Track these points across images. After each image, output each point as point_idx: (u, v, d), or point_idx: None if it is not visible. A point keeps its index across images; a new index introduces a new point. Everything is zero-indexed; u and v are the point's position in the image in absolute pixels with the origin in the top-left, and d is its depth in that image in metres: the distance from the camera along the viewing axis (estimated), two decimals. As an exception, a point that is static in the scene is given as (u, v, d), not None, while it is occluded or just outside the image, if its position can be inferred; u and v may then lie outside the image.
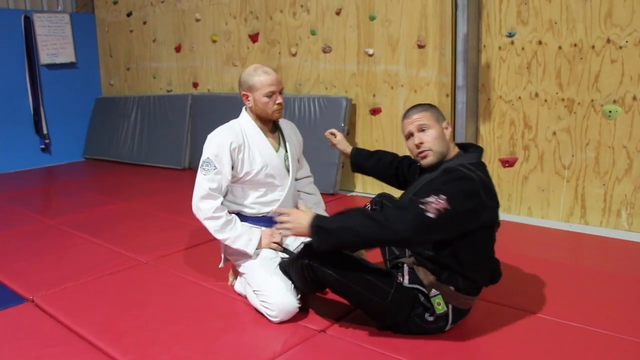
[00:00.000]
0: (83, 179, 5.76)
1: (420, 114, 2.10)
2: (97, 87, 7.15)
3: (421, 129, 2.08)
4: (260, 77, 2.41)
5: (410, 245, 2.11)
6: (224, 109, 5.34)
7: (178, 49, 6.04)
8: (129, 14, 6.52)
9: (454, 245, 1.97)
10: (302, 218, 1.99)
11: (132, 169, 6.02)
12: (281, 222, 2.03)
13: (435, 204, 1.83)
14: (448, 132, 2.11)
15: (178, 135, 5.85)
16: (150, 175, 5.64)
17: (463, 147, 2.15)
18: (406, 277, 2.06)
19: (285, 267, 2.30)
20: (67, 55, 6.69)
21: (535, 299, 2.42)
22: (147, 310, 2.43)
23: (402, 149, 4.31)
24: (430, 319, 2.05)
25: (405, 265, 2.10)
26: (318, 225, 1.95)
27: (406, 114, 2.15)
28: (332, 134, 2.69)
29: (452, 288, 2.02)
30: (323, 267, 2.04)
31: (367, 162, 2.58)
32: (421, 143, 2.06)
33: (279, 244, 2.43)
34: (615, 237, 3.31)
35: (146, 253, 3.17)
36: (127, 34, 6.63)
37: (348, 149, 2.65)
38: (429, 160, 2.08)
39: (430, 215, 1.83)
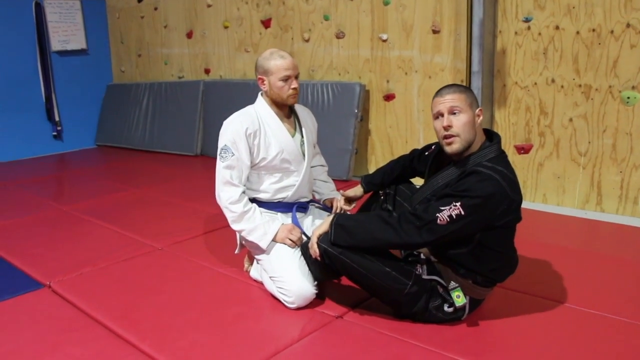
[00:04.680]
0: (96, 165, 5.78)
1: (455, 95, 1.97)
2: (108, 74, 7.14)
3: (452, 112, 1.96)
4: (277, 61, 2.39)
5: (426, 247, 2.07)
6: (236, 95, 5.33)
7: (189, 35, 6.02)
8: (139, 0, 6.50)
9: (473, 246, 1.94)
10: (325, 221, 2.09)
11: (144, 155, 6.03)
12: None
13: (447, 211, 1.83)
14: (479, 120, 2.00)
15: (190, 121, 5.84)
16: (163, 161, 5.64)
17: (488, 134, 2.07)
18: (424, 268, 2.04)
19: (305, 251, 2.29)
20: (78, 41, 6.68)
21: (552, 286, 2.41)
22: (164, 296, 2.44)
23: (416, 136, 4.28)
24: (449, 310, 2.04)
25: (422, 255, 2.08)
26: (338, 222, 2.01)
27: (439, 92, 2.02)
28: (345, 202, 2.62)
29: (470, 281, 2.01)
30: (341, 255, 2.03)
31: (380, 185, 2.52)
32: (449, 126, 1.95)
33: (296, 242, 2.38)
34: (631, 224, 3.28)
35: (161, 239, 3.18)
36: (138, 20, 6.61)
37: (359, 190, 2.58)
38: (455, 147, 1.97)
39: (441, 223, 1.84)
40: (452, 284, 2.02)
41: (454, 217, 1.83)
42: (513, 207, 1.93)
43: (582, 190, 3.55)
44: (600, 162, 3.46)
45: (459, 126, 1.95)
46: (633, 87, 3.28)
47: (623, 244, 3.00)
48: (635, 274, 2.55)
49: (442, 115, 1.98)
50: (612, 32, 3.30)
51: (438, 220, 1.83)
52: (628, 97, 3.30)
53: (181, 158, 5.76)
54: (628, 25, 3.25)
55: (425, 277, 2.03)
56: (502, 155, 2.01)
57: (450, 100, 1.97)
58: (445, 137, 1.98)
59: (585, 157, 3.51)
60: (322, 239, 2.10)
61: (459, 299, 2.01)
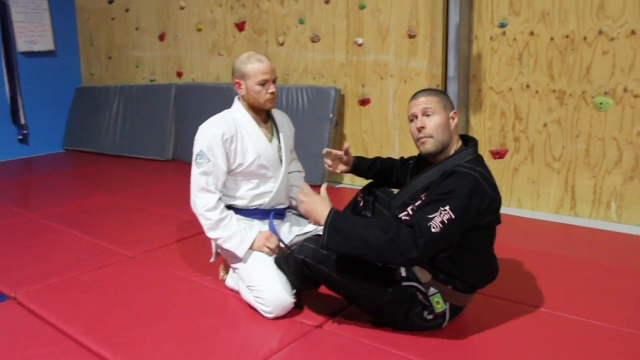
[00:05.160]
0: (64, 170, 5.62)
1: (428, 97, 2.02)
2: (77, 76, 6.98)
3: (425, 114, 2.00)
4: (254, 65, 2.35)
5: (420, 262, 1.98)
6: (209, 99, 5.26)
7: (162, 38, 5.92)
8: (110, 1, 6.36)
9: (452, 249, 1.91)
10: (320, 207, 1.91)
11: (115, 160, 5.90)
12: (300, 200, 1.99)
13: (438, 217, 1.79)
14: (454, 122, 2.03)
15: (162, 125, 5.73)
16: (134, 166, 5.52)
17: (464, 139, 2.10)
18: (404, 275, 2.01)
19: (280, 263, 2.25)
20: (45, 43, 6.51)
21: (530, 292, 2.42)
22: (136, 307, 2.37)
23: (391, 141, 4.27)
24: (430, 317, 2.02)
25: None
26: (333, 224, 1.87)
27: (414, 96, 2.07)
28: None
29: (449, 287, 1.99)
30: (320, 265, 2.00)
31: (367, 173, 2.47)
32: (422, 128, 1.99)
33: (273, 250, 2.34)
34: (604, 228, 3.32)
35: (132, 247, 3.09)
36: (108, 21, 6.47)
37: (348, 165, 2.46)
38: (427, 147, 2.00)
39: (435, 230, 1.78)
40: (432, 289, 2.00)
41: (446, 222, 1.79)
42: (493, 207, 1.94)
43: (556, 194, 3.58)
44: (574, 166, 3.49)
45: (432, 127, 1.98)
46: (605, 93, 3.31)
47: (596, 248, 3.03)
48: (609, 278, 2.57)
49: (416, 117, 2.02)
50: (585, 38, 3.34)
51: (432, 229, 1.78)
52: (601, 103, 3.34)
53: (153, 163, 5.65)
54: (600, 32, 3.29)
55: (404, 283, 2.00)
56: (480, 158, 2.02)
57: (423, 102, 2.01)
58: (419, 138, 2.01)
59: (559, 162, 3.54)
60: (299, 250, 2.07)
61: (439, 304, 2.00)
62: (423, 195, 1.98)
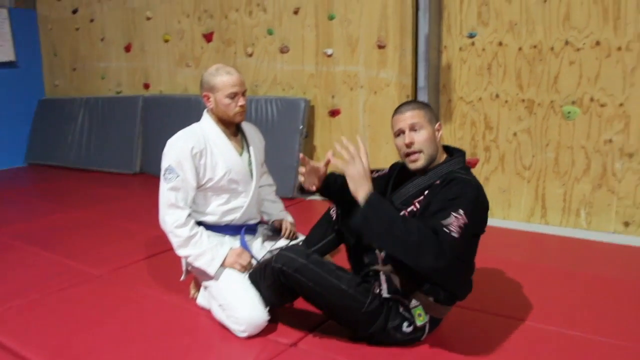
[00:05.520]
0: (26, 185, 5.47)
1: (414, 111, 1.98)
2: (40, 88, 6.81)
3: (413, 128, 1.95)
4: (223, 78, 2.30)
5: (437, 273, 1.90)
6: (177, 111, 5.17)
7: (128, 49, 5.81)
8: (74, 11, 6.23)
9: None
10: (364, 177, 1.83)
11: (80, 174, 5.75)
12: (348, 153, 1.85)
13: (455, 222, 1.75)
14: (439, 135, 2.01)
15: (129, 138, 5.62)
16: (100, 180, 5.39)
17: (448, 150, 2.09)
18: (384, 286, 1.97)
19: (256, 277, 2.19)
20: (5, 53, 6.32)
21: (504, 302, 2.41)
22: (104, 329, 2.27)
23: (363, 151, 4.23)
24: (409, 330, 1.98)
25: (381, 273, 2.01)
26: (374, 199, 1.79)
27: (398, 109, 2.02)
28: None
29: (431, 299, 1.96)
30: (296, 274, 1.96)
31: (337, 194, 2.28)
32: (412, 143, 1.95)
33: (246, 267, 2.28)
34: (574, 236, 3.35)
35: (99, 265, 2.99)
36: (72, 32, 6.33)
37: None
38: (419, 164, 1.96)
39: (456, 235, 1.75)
40: (414, 302, 1.97)
41: (463, 226, 1.76)
42: (486, 214, 1.96)
43: (527, 203, 3.61)
44: (544, 175, 3.52)
45: (420, 142, 1.95)
46: (573, 102, 3.36)
47: (568, 256, 3.05)
48: (581, 286, 2.58)
49: (403, 132, 1.97)
50: (552, 48, 3.38)
51: (453, 234, 1.74)
52: (569, 112, 3.38)
53: (119, 177, 5.53)
54: (567, 43, 3.33)
55: (385, 295, 1.96)
56: (468, 167, 2.03)
57: (410, 117, 1.96)
58: (408, 154, 1.97)
59: (529, 171, 3.57)
60: (276, 258, 2.03)
61: (420, 317, 1.97)
62: (416, 200, 1.95)
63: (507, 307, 2.36)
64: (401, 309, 1.97)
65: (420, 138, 1.95)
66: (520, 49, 3.48)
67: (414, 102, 2.09)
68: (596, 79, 3.27)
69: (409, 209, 1.97)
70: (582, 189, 3.41)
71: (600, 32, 3.22)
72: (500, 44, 3.54)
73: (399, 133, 1.99)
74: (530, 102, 3.49)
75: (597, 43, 3.24)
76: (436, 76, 3.78)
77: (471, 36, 3.64)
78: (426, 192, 1.95)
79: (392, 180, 2.19)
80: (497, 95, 3.60)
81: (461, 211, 1.77)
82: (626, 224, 3.31)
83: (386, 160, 4.10)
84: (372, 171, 2.20)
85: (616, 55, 3.20)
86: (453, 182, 1.86)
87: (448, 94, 3.79)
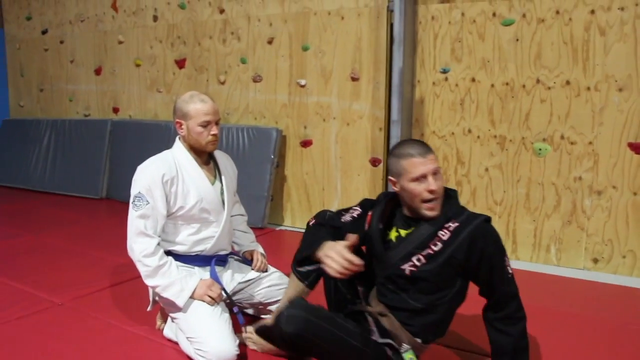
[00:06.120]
0: (-14, 208, 5.27)
1: (433, 155, 1.86)
2: (4, 108, 6.64)
3: (435, 173, 1.83)
4: (196, 105, 2.25)
5: None
6: (146, 136, 5.09)
7: (98, 72, 5.72)
8: (44, 32, 6.13)
9: (447, 293, 1.90)
10: None
11: (44, 197, 5.58)
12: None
13: (509, 269, 1.87)
14: None
15: (95, 162, 5.49)
16: (64, 204, 5.23)
17: None
18: (374, 330, 1.91)
19: (263, 331, 2.06)
20: (-30, 72, 6.19)
21: (474, 338, 2.37)
22: (63, 362, 2.17)
23: (333, 184, 4.23)
24: None
25: (369, 316, 1.96)
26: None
27: (415, 151, 1.85)
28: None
29: (419, 341, 1.92)
30: (309, 335, 1.79)
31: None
32: (436, 190, 1.82)
33: (215, 299, 2.20)
34: (544, 271, 3.37)
35: (61, 293, 2.87)
36: (41, 52, 6.22)
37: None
38: (436, 212, 1.86)
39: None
40: (405, 346, 1.91)
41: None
42: None
43: (498, 238, 3.61)
44: (515, 211, 3.55)
45: (440, 188, 1.86)
46: (544, 139, 3.41)
47: (537, 292, 3.04)
48: (549, 321, 2.57)
49: (426, 177, 1.83)
50: (524, 86, 3.44)
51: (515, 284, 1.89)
52: (540, 149, 3.42)
53: (84, 201, 5.38)
54: (538, 81, 3.40)
55: (380, 341, 1.89)
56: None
57: (431, 161, 1.84)
58: (429, 200, 1.85)
59: (500, 206, 3.59)
60: (286, 321, 1.80)
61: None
62: (431, 243, 1.86)
63: (475, 342, 2.32)
64: (390, 352, 1.90)
65: (440, 184, 1.85)
66: (492, 85, 3.53)
67: (423, 143, 1.93)
68: (566, 117, 3.33)
69: (425, 252, 1.86)
70: (553, 225, 3.44)
71: (570, 72, 3.30)
72: (473, 80, 3.59)
73: (420, 178, 1.83)
74: (502, 138, 3.54)
75: (567, 82, 3.31)
76: (409, 110, 3.81)
77: (444, 71, 3.68)
78: (439, 232, 1.86)
79: (380, 219, 2.01)
80: (469, 131, 3.64)
81: (506, 259, 1.89)
82: (595, 261, 3.34)
83: (357, 192, 4.10)
84: (341, 212, 2.12)
85: (585, 95, 3.27)
86: (483, 235, 1.84)
87: (421, 128, 3.81)
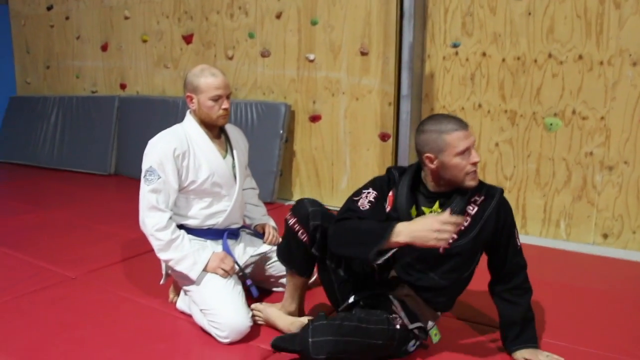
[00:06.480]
0: (-5, 184, 5.30)
1: (470, 129, 1.87)
2: (11, 85, 6.63)
3: (473, 145, 1.84)
4: (207, 79, 2.24)
5: None
6: (153, 112, 5.08)
7: (104, 48, 5.69)
8: (49, 8, 6.09)
9: (473, 267, 1.97)
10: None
11: (52, 174, 5.59)
12: None
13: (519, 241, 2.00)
14: None
15: (103, 139, 5.49)
16: (73, 181, 5.25)
17: None
18: (402, 315, 1.91)
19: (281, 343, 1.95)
20: (-24, 49, 6.16)
21: (484, 310, 2.38)
22: (80, 333, 2.19)
23: (342, 159, 4.22)
24: (413, 348, 1.95)
25: (394, 299, 1.95)
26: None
27: (459, 126, 1.82)
28: None
29: (439, 314, 1.96)
30: (337, 354, 1.78)
31: None
32: (477, 162, 1.85)
33: (228, 271, 2.22)
34: (554, 247, 3.37)
35: (73, 267, 2.89)
36: (46, 29, 6.18)
37: None
38: (477, 181, 1.87)
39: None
40: (430, 323, 1.96)
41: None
42: None
43: (507, 214, 3.61)
44: (524, 186, 3.54)
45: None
46: (555, 114, 3.38)
47: (546, 267, 3.05)
48: (562, 296, 2.59)
49: (469, 150, 1.82)
50: (535, 61, 3.40)
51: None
52: (551, 124, 3.40)
53: (93, 177, 5.39)
54: (550, 56, 3.36)
55: (410, 327, 1.90)
56: None
57: (471, 133, 1.85)
58: (471, 172, 1.84)
59: (510, 181, 3.58)
60: (314, 348, 1.76)
61: (437, 336, 1.97)
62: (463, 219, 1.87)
63: (488, 315, 2.34)
64: (417, 332, 1.92)
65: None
66: (503, 60, 3.50)
67: (456, 116, 1.91)
68: (578, 92, 3.30)
69: (457, 229, 1.84)
70: (563, 200, 3.44)
71: (583, 46, 3.26)
72: (484, 54, 3.56)
73: (464, 151, 1.81)
74: (513, 113, 3.51)
75: (580, 57, 3.27)
76: (419, 85, 3.78)
77: (455, 46, 3.65)
78: (467, 207, 1.88)
79: (408, 199, 1.94)
80: (479, 105, 3.61)
81: (516, 231, 2.00)
82: (605, 236, 3.34)
83: (367, 167, 4.10)
84: (352, 198, 1.97)
85: (598, 69, 3.24)
86: (502, 205, 1.94)
87: (430, 102, 3.79)
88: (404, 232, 1.68)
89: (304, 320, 2.06)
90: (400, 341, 1.89)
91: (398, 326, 1.88)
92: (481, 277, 2.73)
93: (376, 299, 1.99)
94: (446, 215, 1.68)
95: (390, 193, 1.95)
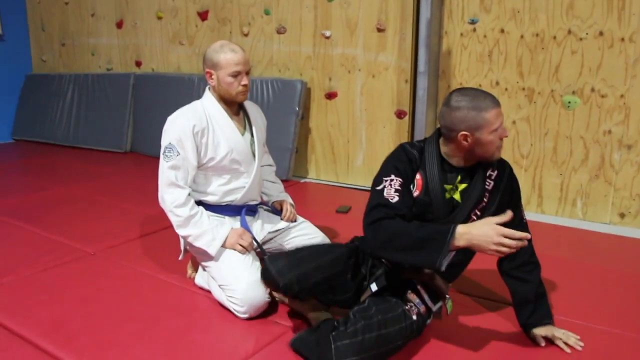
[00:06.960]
0: (14, 161, 5.35)
1: None
2: (27, 63, 6.65)
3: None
4: (227, 55, 2.23)
5: None
6: (169, 90, 5.09)
7: (119, 25, 5.69)
8: (64, -15, 6.08)
9: None
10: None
11: (69, 151, 5.65)
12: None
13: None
14: None
15: (119, 116, 5.52)
16: (89, 158, 5.30)
17: None
18: (426, 297, 1.92)
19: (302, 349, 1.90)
20: (-9, 27, 6.18)
21: (496, 287, 2.36)
22: (99, 308, 2.23)
23: (358, 136, 4.21)
24: (428, 321, 1.98)
25: (417, 285, 1.94)
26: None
27: (494, 102, 1.80)
28: None
29: (450, 285, 1.98)
30: (370, 351, 1.76)
31: None
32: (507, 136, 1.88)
33: (246, 247, 2.24)
34: (570, 225, 3.36)
35: (93, 243, 2.93)
36: (61, 6, 6.18)
37: None
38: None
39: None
40: (447, 297, 1.98)
41: None
42: None
43: (524, 192, 3.55)
44: (541, 164, 3.52)
45: None
46: (574, 92, 3.34)
47: (562, 245, 3.06)
48: (577, 275, 2.59)
49: (501, 125, 1.81)
50: (554, 37, 3.35)
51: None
52: (569, 102, 3.37)
53: (109, 155, 5.44)
54: (569, 32, 3.31)
55: (434, 308, 1.93)
56: None
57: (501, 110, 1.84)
58: (500, 146, 1.85)
59: (527, 160, 3.56)
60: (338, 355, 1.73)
61: (451, 307, 1.99)
62: (483, 195, 1.89)
63: (498, 292, 2.34)
64: (435, 309, 1.96)
65: None
66: (522, 36, 3.45)
67: (487, 91, 1.88)
68: (598, 69, 3.26)
69: (480, 206, 1.88)
70: (580, 179, 3.41)
71: (604, 22, 3.20)
72: (502, 31, 3.51)
73: (498, 127, 1.79)
74: (531, 90, 3.48)
75: (601, 33, 3.22)
76: (436, 61, 3.74)
77: (472, 22, 3.60)
78: (486, 183, 1.89)
79: (441, 181, 1.90)
80: (497, 83, 3.58)
81: (521, 204, 2.03)
82: (622, 216, 3.32)
83: (382, 144, 4.09)
84: (374, 188, 1.87)
85: (619, 46, 3.18)
86: (513, 177, 1.98)
87: (447, 79, 3.76)
88: (464, 237, 1.65)
89: (327, 315, 2.04)
90: (417, 331, 1.90)
91: (415, 317, 1.86)
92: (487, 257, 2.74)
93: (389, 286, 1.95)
94: (507, 229, 1.63)
95: (418, 176, 1.88)
